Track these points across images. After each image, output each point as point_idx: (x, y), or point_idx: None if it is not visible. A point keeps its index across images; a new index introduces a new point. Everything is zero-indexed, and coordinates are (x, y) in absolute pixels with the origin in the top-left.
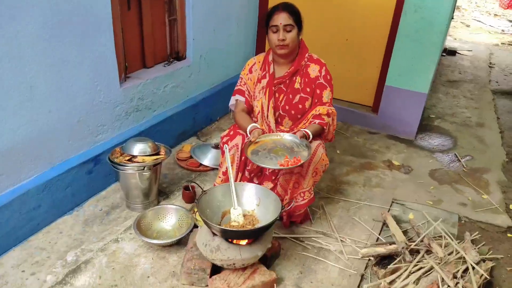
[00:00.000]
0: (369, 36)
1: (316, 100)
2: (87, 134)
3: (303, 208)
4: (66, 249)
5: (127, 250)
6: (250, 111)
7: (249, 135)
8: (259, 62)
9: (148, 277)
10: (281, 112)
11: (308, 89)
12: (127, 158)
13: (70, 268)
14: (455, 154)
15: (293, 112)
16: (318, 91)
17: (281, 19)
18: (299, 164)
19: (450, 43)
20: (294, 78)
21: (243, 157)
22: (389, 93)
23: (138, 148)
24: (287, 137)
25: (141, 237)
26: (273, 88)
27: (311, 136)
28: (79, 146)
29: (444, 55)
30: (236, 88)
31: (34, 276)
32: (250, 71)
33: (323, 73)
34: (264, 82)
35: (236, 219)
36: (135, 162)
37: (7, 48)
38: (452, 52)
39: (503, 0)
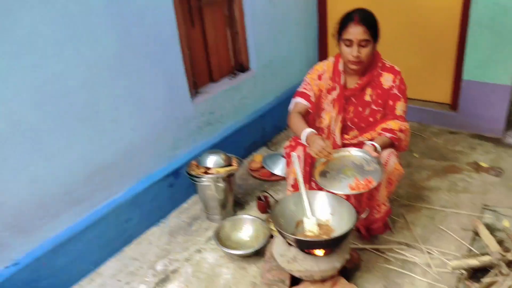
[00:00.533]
0: (439, 28)
1: (388, 112)
2: (166, 149)
3: (380, 222)
4: (155, 259)
5: (210, 260)
6: (307, 115)
7: (304, 141)
8: (329, 70)
9: (231, 287)
10: (349, 124)
11: (380, 101)
12: (203, 170)
13: (160, 277)
14: None
15: (362, 125)
16: (391, 102)
17: (357, 33)
18: (370, 187)
19: None
20: (365, 89)
21: (307, 168)
22: (468, 87)
23: (212, 160)
24: (356, 153)
25: (222, 248)
26: (343, 101)
27: (379, 150)
28: (160, 160)
29: None
30: (299, 90)
31: (129, 285)
32: (320, 78)
33: (397, 83)
34: (334, 94)
35: (310, 228)
36: (210, 173)
37: (88, 73)
38: None
39: None
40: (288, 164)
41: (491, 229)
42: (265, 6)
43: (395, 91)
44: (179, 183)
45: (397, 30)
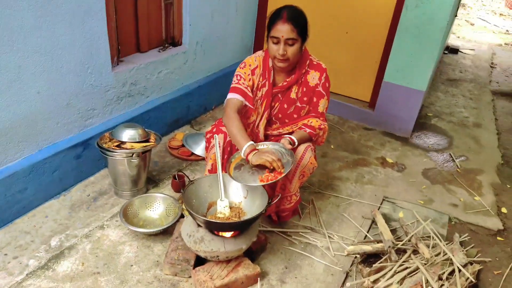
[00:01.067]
0: (369, 30)
1: (311, 108)
2: (77, 118)
3: (290, 211)
4: (50, 234)
5: (112, 237)
6: (243, 110)
7: (242, 154)
8: (260, 66)
9: (132, 265)
10: (273, 119)
11: (305, 98)
12: (116, 144)
13: (54, 253)
14: (450, 154)
15: (286, 120)
16: (315, 99)
17: (284, 31)
18: (277, 179)
19: (453, 41)
20: (291, 86)
21: (225, 156)
22: (386, 89)
23: (128, 134)
24: (272, 146)
25: (126, 225)
26: (270, 98)
27: (296, 143)
28: (68, 129)
29: (446, 53)
30: (232, 85)
31: (17, 260)
32: (253, 73)
33: (322, 80)
34: (264, 90)
35: (222, 210)
36: (124, 148)
37: None
38: (454, 50)
39: None
40: (207, 149)
41: (387, 218)
42: None
43: (320, 88)
44: (88, 155)
45: (330, 27)
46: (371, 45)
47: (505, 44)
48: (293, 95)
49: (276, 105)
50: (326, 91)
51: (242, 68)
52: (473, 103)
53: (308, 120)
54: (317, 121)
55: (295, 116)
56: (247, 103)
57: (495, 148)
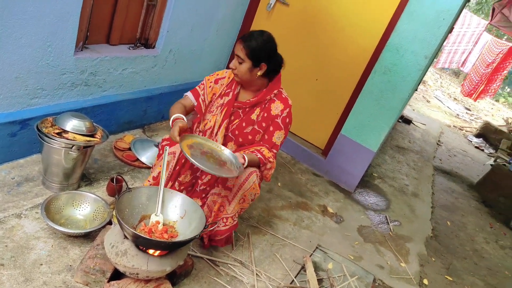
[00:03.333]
0: (337, 83)
1: (266, 137)
2: (22, 94)
3: (223, 234)
4: None
5: (27, 229)
6: (190, 111)
7: (170, 123)
8: (229, 78)
9: (41, 264)
10: (230, 134)
11: (264, 124)
12: (57, 131)
13: None
14: (386, 216)
15: (240, 139)
16: (271, 129)
17: (237, 49)
18: (230, 176)
19: (408, 112)
20: (254, 108)
21: (177, 167)
22: (341, 141)
23: (72, 124)
24: (226, 152)
25: (46, 220)
26: (231, 109)
27: (246, 162)
28: (10, 104)
29: (400, 121)
30: (195, 88)
31: None
32: (216, 82)
33: (284, 114)
34: (226, 99)
35: (153, 227)
36: (64, 137)
37: None
38: (407, 121)
39: (465, 87)
40: (159, 156)
41: (317, 267)
42: None
43: (279, 120)
44: (24, 136)
45: (302, 70)
46: (336, 97)
47: (454, 126)
48: (253, 116)
49: (235, 122)
50: (285, 125)
51: (210, 76)
52: (415, 173)
53: (261, 148)
54: (268, 152)
55: (249, 137)
56: (195, 103)
57: (427, 220)
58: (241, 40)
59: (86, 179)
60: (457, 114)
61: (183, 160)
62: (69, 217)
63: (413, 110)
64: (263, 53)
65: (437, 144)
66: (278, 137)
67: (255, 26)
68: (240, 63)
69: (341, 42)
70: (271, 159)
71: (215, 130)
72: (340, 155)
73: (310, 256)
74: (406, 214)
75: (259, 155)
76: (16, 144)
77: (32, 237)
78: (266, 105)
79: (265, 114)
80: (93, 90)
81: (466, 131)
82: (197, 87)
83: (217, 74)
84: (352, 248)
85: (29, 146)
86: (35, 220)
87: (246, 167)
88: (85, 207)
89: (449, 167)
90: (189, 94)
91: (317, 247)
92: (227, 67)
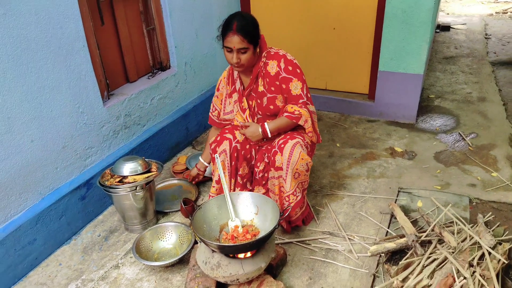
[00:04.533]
0: (356, 23)
1: (286, 96)
2: (75, 159)
3: (293, 212)
4: (66, 281)
5: (128, 275)
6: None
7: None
8: (224, 78)
9: None
10: (259, 116)
11: (272, 88)
12: (118, 179)
13: None
14: (459, 133)
15: (268, 113)
16: (284, 86)
17: (235, 42)
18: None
19: (443, 19)
20: (257, 81)
21: (233, 162)
22: (383, 78)
23: (128, 168)
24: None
25: (141, 260)
26: (243, 99)
27: (268, 132)
28: (68, 172)
29: (438, 32)
30: (210, 115)
31: None
32: (218, 89)
33: (283, 66)
34: (235, 96)
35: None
36: (126, 182)
37: None
38: (446, 28)
39: None
40: (213, 160)
41: (406, 210)
42: (184, 1)
43: (284, 74)
44: (93, 195)
45: (316, 26)
46: (360, 37)
47: (496, 13)
48: (260, 88)
49: (253, 104)
50: (292, 73)
51: (216, 91)
52: (473, 77)
53: (285, 108)
54: (291, 107)
55: (271, 107)
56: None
57: (504, 119)
58: (236, 33)
59: (162, 213)
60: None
61: (235, 154)
62: (160, 251)
63: (448, 14)
64: (256, 31)
65: (485, 38)
66: (295, 87)
67: (254, 5)
68: (244, 53)
69: None
70: (296, 111)
71: (248, 121)
72: (387, 92)
73: (395, 202)
74: (479, 122)
75: (285, 114)
76: (89, 204)
77: (136, 280)
78: (264, 71)
79: (267, 79)
80: (134, 130)
81: (511, 12)
82: (210, 115)
83: (220, 82)
84: (435, 178)
85: (101, 202)
86: (132, 264)
87: (288, 135)
88: (170, 236)
89: (506, 57)
90: (211, 115)
91: (399, 191)
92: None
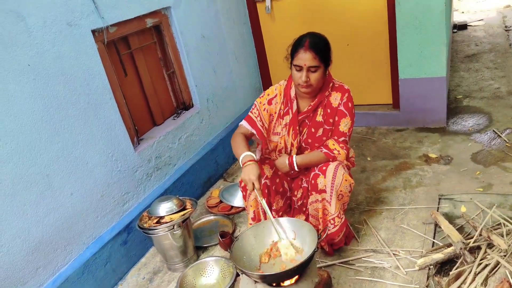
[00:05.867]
0: (369, 35)
1: (333, 128)
2: (114, 206)
3: (338, 235)
4: None
5: None
6: (250, 137)
7: (240, 163)
8: (281, 94)
9: None
10: (303, 145)
11: (331, 120)
12: (155, 220)
13: None
14: (493, 130)
15: (316, 144)
16: (336, 118)
17: (306, 59)
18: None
19: (458, 18)
20: (317, 110)
21: (265, 199)
22: (405, 85)
23: (164, 208)
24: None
25: None
26: (297, 126)
27: (295, 166)
28: (108, 219)
29: (455, 31)
30: (248, 114)
31: None
32: (270, 103)
33: (344, 100)
34: (287, 119)
35: (286, 250)
36: (163, 223)
37: (15, 143)
38: (463, 26)
39: None
40: (245, 197)
41: (450, 218)
42: (199, 42)
43: (342, 108)
44: (133, 239)
45: (332, 45)
46: (375, 49)
47: None
48: (319, 118)
49: (304, 131)
50: (349, 110)
51: (260, 98)
52: (499, 72)
53: (326, 142)
54: (333, 144)
55: (324, 139)
56: (254, 132)
57: None
58: (308, 49)
59: (201, 247)
60: None
61: (266, 190)
62: (203, 286)
63: (463, 12)
64: (328, 51)
65: (505, 30)
66: (344, 124)
67: (266, 33)
68: (314, 72)
69: None
70: (336, 150)
71: (288, 150)
72: (411, 99)
73: (437, 210)
74: None
75: (324, 150)
76: (131, 248)
77: None
78: (326, 102)
79: (328, 110)
80: (166, 170)
81: None
82: (250, 113)
83: (268, 94)
84: (476, 180)
85: (142, 245)
86: None
87: (302, 167)
88: (212, 271)
89: None
90: (244, 123)
91: (440, 198)
92: (264, 89)
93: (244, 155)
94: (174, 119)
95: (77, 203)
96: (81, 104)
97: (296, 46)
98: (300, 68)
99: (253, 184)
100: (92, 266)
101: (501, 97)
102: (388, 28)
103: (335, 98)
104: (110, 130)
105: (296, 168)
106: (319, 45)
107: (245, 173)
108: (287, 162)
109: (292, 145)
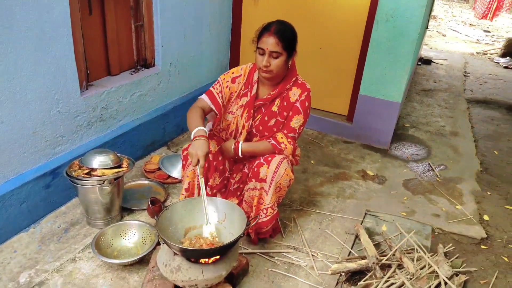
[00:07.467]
0: (343, 45)
1: (285, 122)
2: (44, 146)
3: (267, 225)
4: (19, 270)
5: (84, 270)
6: (208, 113)
7: (191, 136)
8: (245, 75)
9: None
10: (253, 131)
11: (285, 113)
12: (86, 171)
13: None
14: (429, 163)
15: (266, 133)
16: (290, 113)
17: (269, 44)
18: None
19: (426, 52)
20: (274, 100)
21: (203, 174)
22: (363, 102)
23: (98, 161)
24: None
25: (99, 256)
26: (251, 110)
27: (239, 152)
28: (36, 158)
29: (419, 64)
30: (209, 89)
31: None
32: (233, 81)
33: (302, 98)
34: (245, 100)
35: (208, 236)
36: (94, 175)
37: None
38: (427, 61)
39: (477, 9)
40: (184, 167)
41: (371, 233)
42: (176, 3)
43: (298, 104)
44: (58, 184)
45: (304, 43)
46: (345, 59)
47: (477, 53)
48: (274, 108)
49: (258, 117)
50: (304, 109)
51: (224, 74)
52: (448, 112)
53: (276, 134)
54: (282, 137)
55: (274, 129)
56: (213, 107)
57: (473, 155)
58: (272, 34)
59: (127, 209)
60: (477, 40)
61: (206, 165)
62: (120, 248)
63: (431, 48)
64: (293, 41)
65: (464, 75)
66: (296, 121)
67: (245, 15)
68: (276, 58)
69: (335, 4)
70: (283, 144)
71: (239, 133)
72: (365, 116)
73: (361, 223)
74: (449, 155)
75: (272, 141)
76: (53, 194)
77: (91, 276)
78: (285, 94)
79: (285, 103)
80: (110, 123)
81: (491, 54)
82: (211, 89)
83: (233, 73)
84: (402, 204)
85: (65, 193)
86: (90, 259)
87: (246, 154)
88: (133, 234)
89: (482, 96)
90: (204, 97)
91: (366, 213)
92: (230, 67)
93: (198, 129)
94: (131, 74)
95: (6, 133)
96: (35, 31)
97: (263, 31)
98: (263, 52)
99: (198, 160)
100: (7, 202)
101: (444, 135)
102: (361, 42)
103: (294, 94)
104: (59, 67)
105: (240, 155)
106: (284, 33)
107: (193, 147)
108: (233, 146)
109: (243, 127)
